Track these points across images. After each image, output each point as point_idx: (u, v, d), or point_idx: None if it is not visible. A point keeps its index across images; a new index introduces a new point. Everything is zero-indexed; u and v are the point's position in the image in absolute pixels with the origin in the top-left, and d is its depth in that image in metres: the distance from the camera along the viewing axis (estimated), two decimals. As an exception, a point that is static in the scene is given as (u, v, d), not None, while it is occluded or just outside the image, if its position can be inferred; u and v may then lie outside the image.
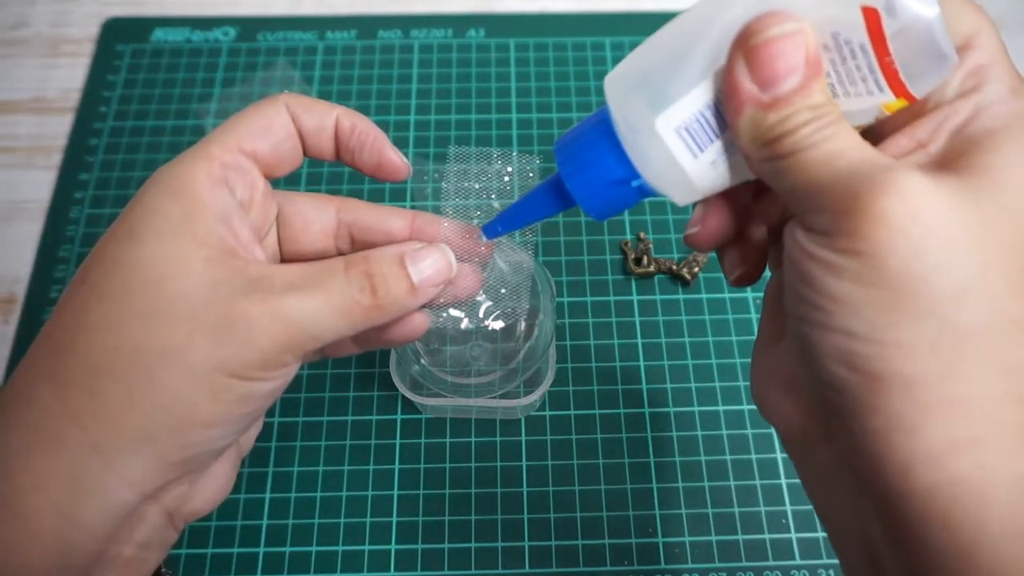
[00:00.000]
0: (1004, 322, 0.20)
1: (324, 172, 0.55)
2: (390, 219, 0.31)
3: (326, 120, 0.30)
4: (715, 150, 0.24)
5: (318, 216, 0.31)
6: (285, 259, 0.31)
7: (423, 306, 0.30)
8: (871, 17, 0.21)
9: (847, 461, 0.22)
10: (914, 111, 0.23)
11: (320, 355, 0.33)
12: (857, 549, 0.23)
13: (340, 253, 0.32)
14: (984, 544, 0.19)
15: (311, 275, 0.26)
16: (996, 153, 0.21)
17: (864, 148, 0.21)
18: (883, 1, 0.20)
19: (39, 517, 0.23)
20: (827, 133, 0.21)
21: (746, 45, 0.22)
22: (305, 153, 0.30)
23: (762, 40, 0.21)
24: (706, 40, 0.23)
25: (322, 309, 0.25)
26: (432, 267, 0.28)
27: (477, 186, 0.34)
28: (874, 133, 0.24)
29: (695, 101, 0.23)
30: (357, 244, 0.32)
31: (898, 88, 0.22)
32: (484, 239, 0.31)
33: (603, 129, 0.25)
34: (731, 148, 0.24)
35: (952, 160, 0.22)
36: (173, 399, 0.24)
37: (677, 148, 0.24)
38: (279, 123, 0.29)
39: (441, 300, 0.31)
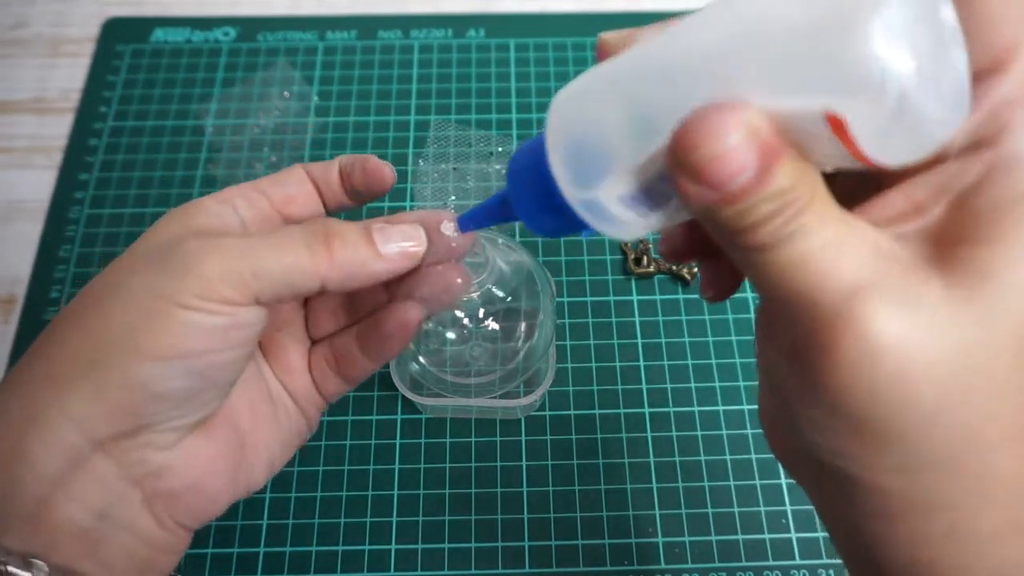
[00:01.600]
0: (984, 442, 0.18)
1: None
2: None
3: (331, 166, 0.33)
4: (670, 207, 0.20)
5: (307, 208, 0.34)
6: None
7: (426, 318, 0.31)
8: (836, 124, 0.16)
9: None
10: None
11: (342, 383, 0.34)
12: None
13: None
14: None
15: (271, 228, 0.29)
16: (1000, 247, 0.17)
17: (835, 254, 0.17)
18: (892, 100, 0.15)
19: None
20: (792, 228, 0.17)
21: (678, 161, 0.17)
22: (325, 205, 0.33)
23: (694, 161, 0.17)
24: (644, 109, 0.19)
25: (268, 248, 0.26)
26: (398, 236, 0.28)
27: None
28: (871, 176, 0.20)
29: (638, 175, 0.20)
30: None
31: (871, 164, 0.17)
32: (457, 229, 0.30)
33: (543, 172, 0.22)
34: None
35: (948, 241, 0.18)
36: (120, 327, 0.25)
37: (621, 212, 0.21)
38: (292, 176, 0.32)
39: (432, 303, 0.32)
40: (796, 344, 0.18)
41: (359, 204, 0.34)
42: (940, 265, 0.17)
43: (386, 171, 0.32)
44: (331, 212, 0.33)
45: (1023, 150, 0.17)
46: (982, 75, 0.17)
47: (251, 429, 0.30)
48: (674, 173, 0.18)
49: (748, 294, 0.50)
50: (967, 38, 0.16)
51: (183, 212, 0.29)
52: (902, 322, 0.17)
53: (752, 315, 0.49)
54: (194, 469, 0.28)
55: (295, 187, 0.32)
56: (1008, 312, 0.17)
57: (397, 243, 0.28)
